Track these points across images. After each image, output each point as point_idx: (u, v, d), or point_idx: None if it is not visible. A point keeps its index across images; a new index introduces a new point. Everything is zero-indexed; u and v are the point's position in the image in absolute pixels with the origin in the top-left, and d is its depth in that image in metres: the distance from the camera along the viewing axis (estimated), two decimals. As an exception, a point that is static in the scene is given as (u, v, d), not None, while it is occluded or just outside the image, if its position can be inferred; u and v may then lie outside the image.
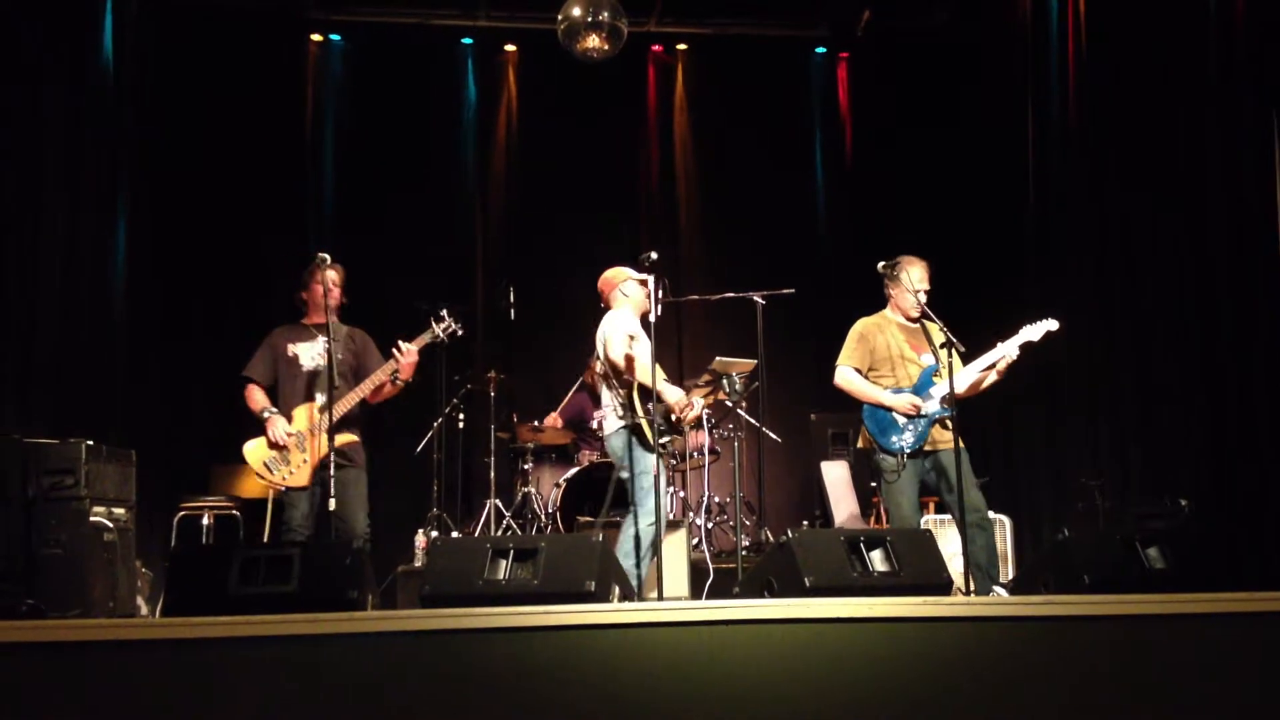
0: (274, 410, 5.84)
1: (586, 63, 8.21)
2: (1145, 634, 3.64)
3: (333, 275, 5.96)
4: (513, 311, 8.14)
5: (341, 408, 5.70)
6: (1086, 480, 7.06)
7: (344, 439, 5.74)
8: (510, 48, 9.84)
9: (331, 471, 5.49)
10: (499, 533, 7.52)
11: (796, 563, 4.10)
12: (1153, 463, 6.95)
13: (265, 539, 7.16)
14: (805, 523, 8.30)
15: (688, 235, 9.82)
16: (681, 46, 10.03)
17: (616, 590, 4.24)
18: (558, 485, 7.74)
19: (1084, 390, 7.59)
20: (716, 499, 8.05)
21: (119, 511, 5.98)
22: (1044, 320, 5.66)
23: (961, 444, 5.34)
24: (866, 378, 5.78)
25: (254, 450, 5.84)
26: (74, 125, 7.45)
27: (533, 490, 7.83)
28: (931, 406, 5.59)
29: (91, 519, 5.74)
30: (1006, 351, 5.63)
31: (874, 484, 7.90)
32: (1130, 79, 7.25)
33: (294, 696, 3.41)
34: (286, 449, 5.78)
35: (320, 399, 5.80)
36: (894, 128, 9.71)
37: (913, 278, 5.74)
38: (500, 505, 7.72)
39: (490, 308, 9.21)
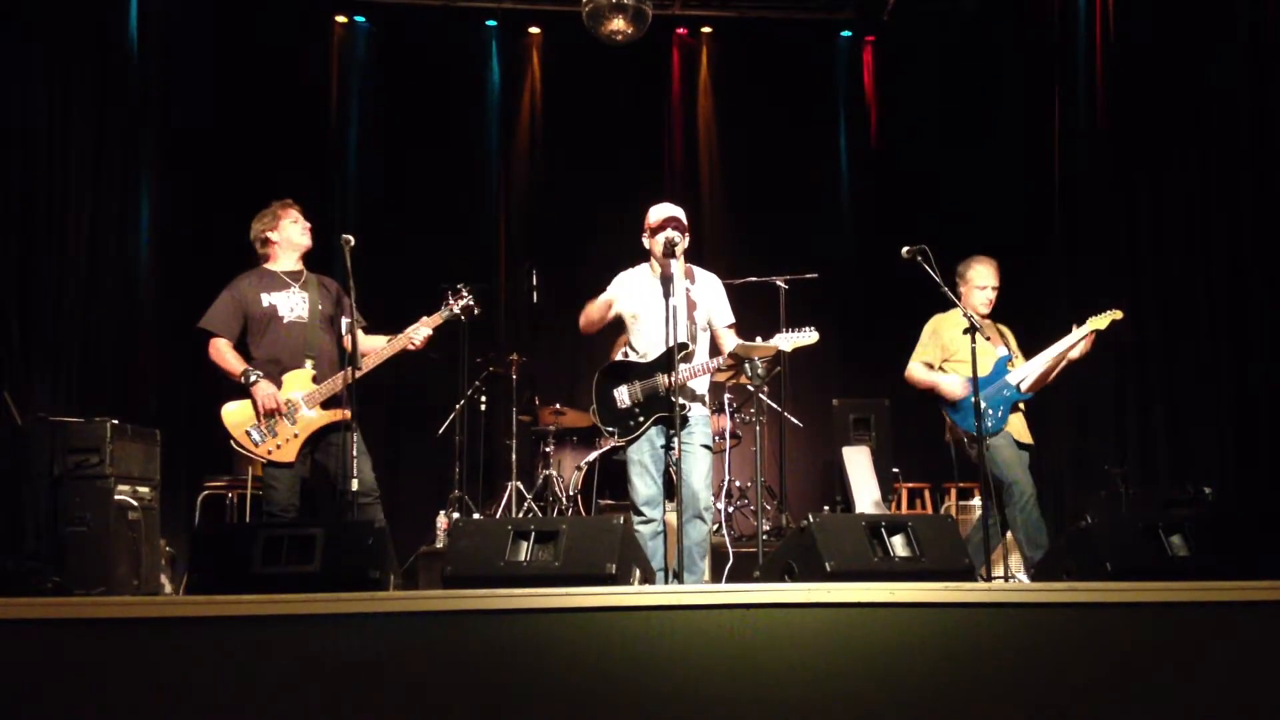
0: (259, 373, 5.27)
1: (610, 45, 8.18)
2: (1167, 622, 3.62)
3: (297, 212, 5.63)
4: (535, 294, 8.15)
5: (339, 384, 5.26)
6: (1110, 467, 7.03)
7: (336, 415, 5.30)
8: (534, 30, 9.83)
9: (353, 453, 5.06)
10: (520, 515, 7.54)
11: (817, 547, 4.08)
12: (1178, 450, 6.91)
13: (246, 519, 7.06)
14: (826, 507, 8.29)
15: (711, 219, 9.77)
16: (706, 29, 9.99)
17: (637, 573, 4.24)
18: (579, 468, 7.76)
19: (1110, 378, 7.53)
20: (738, 483, 8.05)
21: (143, 490, 6.01)
22: (1109, 311, 5.75)
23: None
24: (942, 368, 5.89)
25: (235, 414, 5.26)
26: (98, 105, 7.48)
27: (554, 473, 7.85)
28: (1009, 391, 5.70)
29: (116, 497, 5.77)
30: (1071, 342, 5.75)
31: (904, 479, 7.90)
32: (1158, 64, 7.17)
33: (316, 675, 3.43)
34: (275, 418, 5.24)
35: (310, 365, 5.32)
36: (919, 112, 9.67)
37: (980, 276, 5.92)
38: (521, 487, 7.75)
39: (513, 289, 9.24)
